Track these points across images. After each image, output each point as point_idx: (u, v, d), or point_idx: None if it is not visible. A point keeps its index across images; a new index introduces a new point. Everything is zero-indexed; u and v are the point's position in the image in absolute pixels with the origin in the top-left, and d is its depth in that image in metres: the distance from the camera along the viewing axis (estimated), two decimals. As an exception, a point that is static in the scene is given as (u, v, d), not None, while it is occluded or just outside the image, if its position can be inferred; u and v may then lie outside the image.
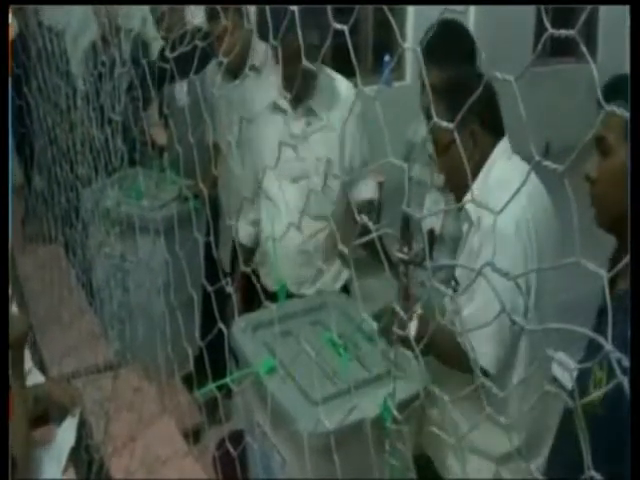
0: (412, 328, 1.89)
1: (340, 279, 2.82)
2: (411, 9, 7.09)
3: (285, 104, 2.61)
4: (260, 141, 2.67)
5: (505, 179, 1.86)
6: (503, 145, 1.97)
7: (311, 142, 2.57)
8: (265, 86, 2.78)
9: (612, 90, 1.47)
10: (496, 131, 1.96)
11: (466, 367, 1.79)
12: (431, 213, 2.13)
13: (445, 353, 1.86)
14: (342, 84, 2.71)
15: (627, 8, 0.95)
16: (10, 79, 2.90)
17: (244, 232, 2.87)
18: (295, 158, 2.52)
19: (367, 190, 2.80)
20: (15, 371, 1.76)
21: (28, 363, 2.38)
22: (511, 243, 1.77)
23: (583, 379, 1.35)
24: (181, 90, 3.48)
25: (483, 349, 1.84)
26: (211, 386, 1.64)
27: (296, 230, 2.38)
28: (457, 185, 1.95)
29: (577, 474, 0.86)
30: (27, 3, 3.73)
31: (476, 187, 1.87)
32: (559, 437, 1.65)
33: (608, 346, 0.76)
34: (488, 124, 1.93)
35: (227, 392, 1.69)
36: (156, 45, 3.68)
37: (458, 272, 1.98)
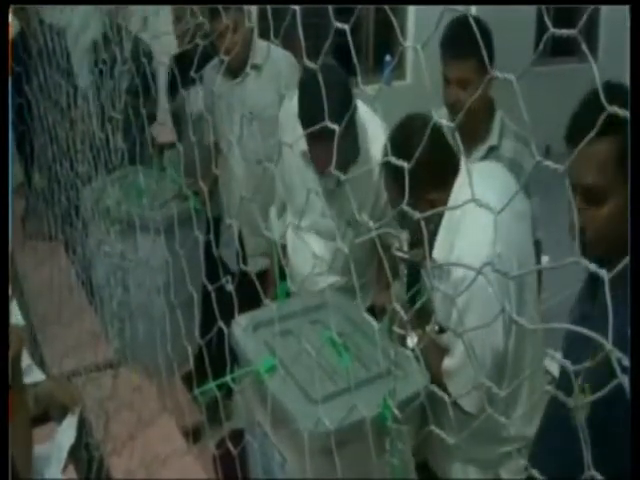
0: (413, 340, 1.90)
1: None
2: (412, 8, 7.10)
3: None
4: (291, 179, 2.61)
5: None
6: (459, 181, 1.97)
7: (341, 203, 2.47)
8: (267, 84, 2.77)
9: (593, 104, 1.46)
10: (449, 181, 1.97)
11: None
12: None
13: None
14: (375, 135, 2.47)
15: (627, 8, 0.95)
16: (10, 78, 2.91)
17: (275, 229, 2.85)
18: (322, 214, 2.48)
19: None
20: (14, 382, 1.75)
21: (27, 361, 2.39)
22: (482, 293, 1.70)
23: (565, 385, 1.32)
24: (196, 96, 3.46)
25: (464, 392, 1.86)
26: (211, 385, 1.64)
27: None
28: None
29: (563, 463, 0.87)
30: (27, 3, 3.74)
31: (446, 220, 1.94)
32: (545, 427, 1.65)
33: (609, 346, 0.76)
34: (440, 186, 1.95)
35: (227, 392, 1.69)
36: (155, 44, 3.67)
37: (438, 312, 1.98)
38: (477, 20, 2.33)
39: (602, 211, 1.34)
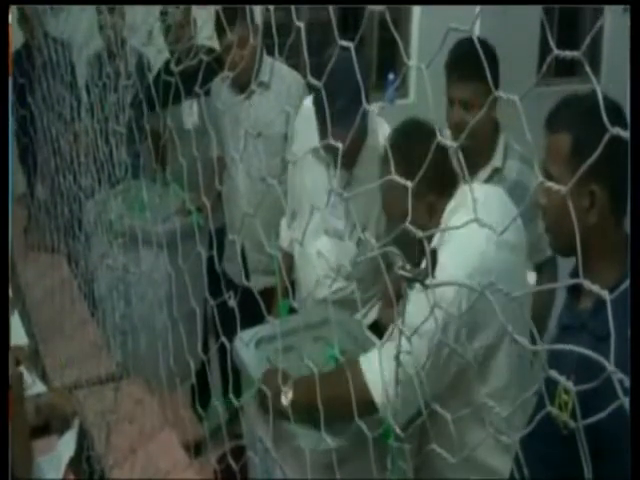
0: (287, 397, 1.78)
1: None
2: (415, 27, 7.11)
3: (328, 156, 2.41)
4: (300, 180, 2.62)
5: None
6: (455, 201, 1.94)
7: (350, 206, 2.46)
8: (273, 102, 2.77)
9: (560, 113, 1.48)
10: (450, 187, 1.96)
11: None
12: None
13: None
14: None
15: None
16: (13, 85, 2.92)
17: (285, 238, 2.85)
18: (331, 213, 2.49)
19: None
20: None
21: (28, 377, 2.39)
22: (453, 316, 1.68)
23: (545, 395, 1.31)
24: (190, 110, 3.45)
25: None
26: (216, 403, 1.64)
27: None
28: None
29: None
30: (27, 3, 3.75)
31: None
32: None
33: (611, 367, 0.76)
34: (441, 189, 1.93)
35: (230, 408, 1.69)
36: (160, 59, 3.68)
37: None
38: (483, 42, 2.35)
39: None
